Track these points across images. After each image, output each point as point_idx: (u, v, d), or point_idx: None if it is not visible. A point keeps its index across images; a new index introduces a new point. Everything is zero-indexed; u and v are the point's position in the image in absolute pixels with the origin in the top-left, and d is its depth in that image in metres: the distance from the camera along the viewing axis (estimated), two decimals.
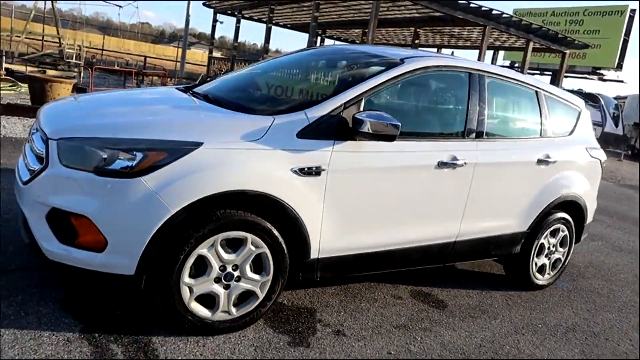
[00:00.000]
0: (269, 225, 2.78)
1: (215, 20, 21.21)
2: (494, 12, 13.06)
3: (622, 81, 29.42)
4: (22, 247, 3.36)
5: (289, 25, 22.10)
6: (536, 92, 4.40)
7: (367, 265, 3.38)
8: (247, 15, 20.71)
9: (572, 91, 24.57)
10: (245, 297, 2.85)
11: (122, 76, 15.44)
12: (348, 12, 16.20)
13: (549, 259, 4.55)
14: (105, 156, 2.50)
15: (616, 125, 25.87)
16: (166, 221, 2.49)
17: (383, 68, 3.38)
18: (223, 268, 2.72)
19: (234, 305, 2.81)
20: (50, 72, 13.26)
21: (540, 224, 4.29)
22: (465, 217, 3.74)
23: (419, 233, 3.53)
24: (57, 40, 17.82)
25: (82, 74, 14.02)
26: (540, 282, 4.52)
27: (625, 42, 27.80)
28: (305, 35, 21.91)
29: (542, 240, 4.38)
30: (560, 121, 4.62)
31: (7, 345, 2.37)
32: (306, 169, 2.84)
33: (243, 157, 2.69)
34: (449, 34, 17.20)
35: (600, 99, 25.73)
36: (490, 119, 3.88)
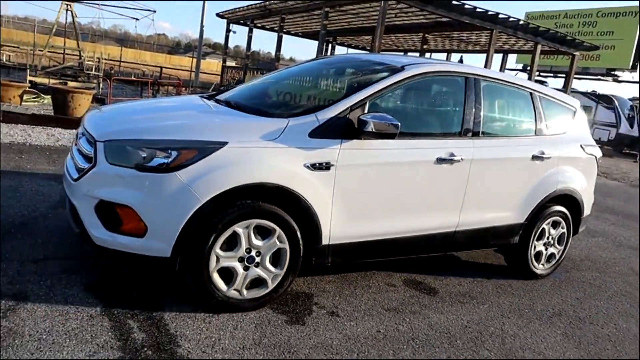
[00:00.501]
0: (286, 215, 3.15)
1: (228, 30, 21.70)
2: (500, 16, 13.27)
3: (637, 82, 29.19)
4: (48, 239, 3.73)
5: (300, 34, 22.49)
6: (530, 93, 4.74)
7: (374, 252, 3.74)
8: (259, 25, 21.16)
9: (585, 93, 24.63)
10: (257, 283, 3.21)
11: (138, 86, 15.94)
12: (357, 20, 16.52)
13: (547, 249, 4.84)
14: (144, 155, 2.92)
15: (631, 127, 25.76)
16: (197, 209, 2.89)
17: (386, 74, 3.76)
18: (249, 250, 3.11)
19: (246, 288, 3.16)
20: (71, 84, 13.81)
21: (538, 215, 4.60)
22: (464, 208, 4.08)
23: (421, 223, 3.88)
24: (78, 53, 18.43)
25: (101, 85, 14.53)
26: (538, 272, 4.82)
27: None
28: (316, 43, 22.33)
29: (540, 230, 4.68)
30: (555, 120, 4.92)
31: (39, 318, 2.71)
32: (317, 164, 3.23)
33: (262, 154, 3.08)
34: (457, 38, 17.41)
35: (615, 101, 25.68)
36: (486, 119, 4.24)
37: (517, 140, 4.56)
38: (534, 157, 4.52)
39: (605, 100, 25.69)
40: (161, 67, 22.41)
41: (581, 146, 5.07)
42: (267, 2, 16.83)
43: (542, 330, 3.69)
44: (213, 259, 3.01)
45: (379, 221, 3.65)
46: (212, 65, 52.90)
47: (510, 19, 13.53)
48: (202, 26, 21.14)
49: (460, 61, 18.04)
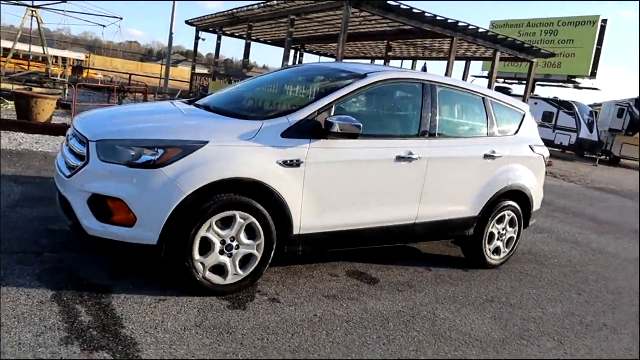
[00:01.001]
0: (261, 207, 3.52)
1: (197, 38, 21.84)
2: (460, 24, 13.73)
3: (596, 89, 30.26)
4: (4, 236, 3.89)
5: (269, 41, 22.77)
6: (483, 98, 5.22)
7: (340, 241, 4.13)
8: (227, 32, 21.35)
9: (547, 99, 25.40)
10: (245, 264, 3.60)
11: (106, 93, 15.96)
12: (323, 27, 16.85)
13: (501, 240, 5.28)
14: (133, 153, 3.26)
15: (591, 131, 26.62)
16: (181, 201, 3.23)
17: (350, 81, 4.18)
18: (223, 242, 3.45)
19: (240, 268, 3.56)
20: (36, 90, 13.77)
21: (490, 209, 5.05)
22: (422, 202, 4.50)
23: (383, 215, 4.27)
24: (43, 60, 18.35)
25: (66, 91, 14.51)
26: (493, 261, 5.27)
27: (598, 51, 28.72)
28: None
29: (492, 224, 5.12)
30: (506, 122, 5.41)
31: None
32: (288, 161, 3.61)
33: (239, 152, 3.46)
34: (421, 46, 17.88)
35: (575, 106, 26.52)
36: (441, 121, 4.67)
37: (470, 141, 5.03)
38: (486, 156, 4.96)
39: (566, 106, 26.53)
40: (130, 74, 22.40)
41: (530, 146, 5.53)
42: (235, 10, 17.06)
43: (472, 314, 3.99)
44: (196, 246, 3.33)
45: (344, 213, 4.02)
46: (184, 72, 52.74)
47: (470, 27, 13.99)
48: (171, 33, 21.18)
49: (424, 68, 18.54)
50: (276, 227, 3.63)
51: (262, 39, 22.57)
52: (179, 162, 3.25)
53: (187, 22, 21.38)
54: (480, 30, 14.29)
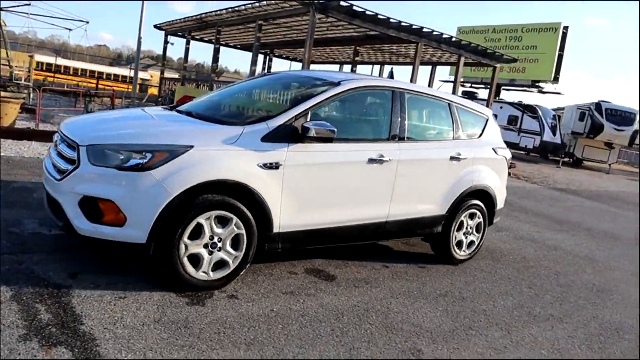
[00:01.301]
0: (243, 207, 3.73)
1: (166, 42, 21.76)
2: (424, 29, 14.04)
3: (559, 93, 31.14)
4: None
5: (238, 46, 22.81)
6: (449, 104, 5.57)
7: (317, 239, 4.40)
8: (197, 37, 21.32)
9: (512, 103, 26.06)
10: (221, 265, 3.77)
11: (72, 97, 15.81)
12: (291, 33, 17.01)
13: (467, 237, 5.60)
14: (122, 157, 3.45)
15: (554, 134, 27.37)
16: (168, 202, 3.42)
17: (325, 88, 4.44)
18: (212, 237, 3.66)
19: (212, 270, 3.72)
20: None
21: (457, 208, 5.36)
22: (392, 201, 4.77)
23: (356, 214, 4.54)
24: (7, 63, 18.06)
25: (31, 95, 14.34)
26: (460, 257, 5.59)
27: (560, 56, 29.59)
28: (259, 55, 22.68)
29: (459, 221, 5.44)
30: (470, 126, 5.75)
31: None
32: (268, 164, 3.84)
33: (222, 156, 3.68)
34: (388, 51, 18.18)
35: (539, 110, 27.24)
36: (410, 125, 4.98)
37: (437, 144, 5.35)
38: (452, 158, 5.29)
39: (530, 110, 27.25)
40: (97, 79, 22.17)
41: (493, 149, 5.89)
42: (203, 15, 17.09)
43: (425, 308, 4.17)
44: (182, 245, 3.54)
45: (320, 213, 4.28)
46: (154, 77, 52.21)
47: (434, 33, 14.32)
48: (139, 38, 21.05)
49: (391, 73, 18.85)
50: (257, 225, 3.85)
51: (231, 44, 22.60)
52: (166, 166, 3.45)
53: (155, 26, 21.27)
54: (444, 36, 14.63)
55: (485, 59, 16.66)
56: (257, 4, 13.62)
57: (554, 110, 31.37)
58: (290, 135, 3.96)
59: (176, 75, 29.62)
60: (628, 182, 25.81)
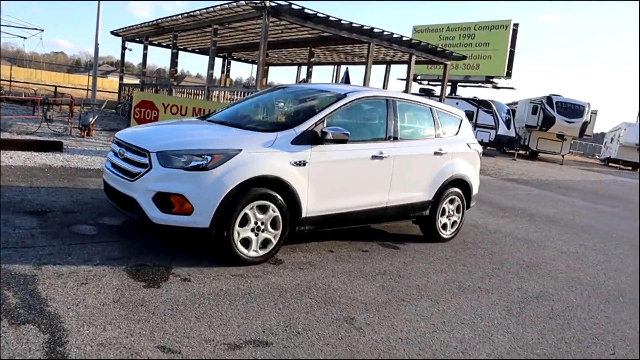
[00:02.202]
0: (279, 196, 4.70)
1: (124, 48, 21.80)
2: (375, 30, 14.57)
3: (512, 88, 32.26)
4: None
5: (197, 50, 23.01)
6: (430, 108, 6.70)
7: (334, 222, 5.42)
8: (155, 42, 21.45)
9: (467, 99, 26.89)
10: (266, 243, 4.74)
11: (31, 106, 15.79)
12: (247, 36, 17.35)
13: (449, 218, 6.71)
14: (185, 160, 4.37)
15: (508, 128, 28.37)
16: (226, 194, 4.35)
17: (334, 99, 5.48)
18: (256, 223, 4.60)
19: (260, 248, 4.70)
20: None
21: (441, 194, 6.47)
22: (391, 190, 5.85)
23: (363, 201, 5.59)
24: None
25: None
26: (445, 236, 6.71)
27: (512, 52, 30.68)
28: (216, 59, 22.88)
29: (443, 205, 6.54)
30: (448, 126, 6.85)
31: None
32: (297, 162, 4.84)
33: (264, 157, 4.65)
34: (343, 51, 18.70)
35: (493, 105, 28.19)
36: (402, 127, 6.04)
37: (423, 142, 6.43)
38: (435, 153, 6.39)
39: (485, 105, 28.21)
40: (56, 87, 22.04)
41: (467, 144, 7.02)
42: (160, 20, 17.26)
43: (363, 285, 4.63)
44: (236, 230, 4.48)
45: (336, 200, 5.28)
46: (114, 83, 51.68)
47: (385, 33, 14.86)
48: (96, 44, 21.01)
49: (347, 73, 19.37)
50: (289, 211, 4.82)
51: (189, 48, 22.78)
52: (222, 166, 4.39)
53: (112, 32, 21.28)
54: (395, 35, 15.18)
55: (435, 56, 17.32)
56: (211, 9, 13.91)
57: (508, 104, 32.53)
58: (312, 138, 4.97)
59: (137, 81, 29.53)
60: (580, 172, 27.01)
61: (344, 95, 5.53)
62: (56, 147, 9.30)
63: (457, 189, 6.71)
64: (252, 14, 13.17)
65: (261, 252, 4.71)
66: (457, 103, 28.87)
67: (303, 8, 12.69)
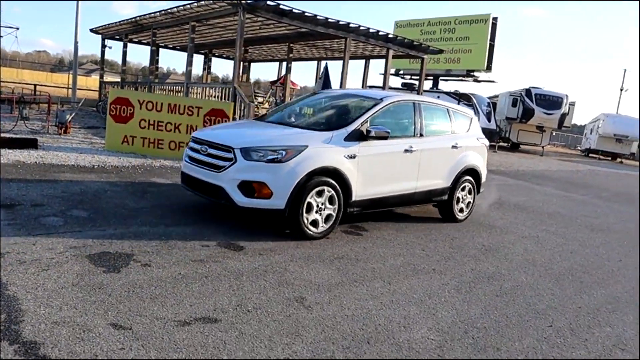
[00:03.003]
0: (335, 183, 5.82)
1: (104, 46, 21.82)
2: (351, 25, 14.75)
3: (493, 81, 32.60)
4: None
5: (177, 47, 23.07)
6: (447, 109, 7.97)
7: (376, 205, 6.57)
8: (135, 40, 21.48)
9: (448, 92, 27.11)
10: (328, 219, 5.88)
11: (8, 104, 15.81)
12: (227, 32, 17.47)
13: (463, 202, 7.94)
14: (262, 154, 5.46)
15: (489, 121, 28.68)
16: (298, 181, 5.45)
17: (373, 103, 6.65)
18: (318, 205, 5.74)
19: (324, 222, 5.84)
20: None
21: (457, 182, 7.69)
22: (419, 178, 7.05)
23: (398, 187, 6.78)
24: None
25: None
26: (460, 217, 7.95)
27: (492, 46, 30.94)
28: (197, 55, 22.93)
29: (459, 191, 7.77)
30: (462, 124, 8.08)
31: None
32: (349, 155, 5.99)
33: (325, 151, 5.77)
34: (322, 47, 18.88)
35: (473, 98, 28.47)
36: (426, 126, 7.21)
37: (443, 137, 7.60)
38: (452, 147, 7.61)
39: (465, 98, 28.47)
40: (35, 85, 22.01)
41: (477, 139, 8.25)
42: (138, 18, 17.33)
43: (319, 268, 4.85)
44: (304, 211, 5.58)
45: (378, 187, 6.43)
46: (97, 81, 51.45)
47: (361, 28, 15.04)
48: (76, 42, 21.00)
49: (326, 68, 19.55)
50: (343, 194, 5.93)
51: (170, 46, 22.83)
52: (294, 158, 5.49)
53: (92, 30, 21.29)
54: (371, 30, 15.38)
55: (412, 50, 17.55)
56: (188, 6, 14.01)
57: (489, 98, 32.87)
58: (359, 136, 6.10)
59: (119, 79, 29.44)
60: (558, 162, 27.44)
61: (381, 100, 6.70)
62: (31, 144, 9.41)
63: (469, 177, 7.92)
64: (228, 10, 13.30)
65: (326, 226, 5.84)
66: (438, 97, 29.09)
67: (278, 4, 12.84)
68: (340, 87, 15.68)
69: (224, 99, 13.41)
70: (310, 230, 5.68)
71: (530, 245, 7.01)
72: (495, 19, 30.89)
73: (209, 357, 2.98)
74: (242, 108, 12.55)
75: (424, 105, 7.29)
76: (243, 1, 12.41)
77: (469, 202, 8.05)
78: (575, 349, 3.84)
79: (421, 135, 7.07)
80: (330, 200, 5.83)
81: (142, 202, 6.59)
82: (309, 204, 5.61)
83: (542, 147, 32.79)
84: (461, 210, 7.93)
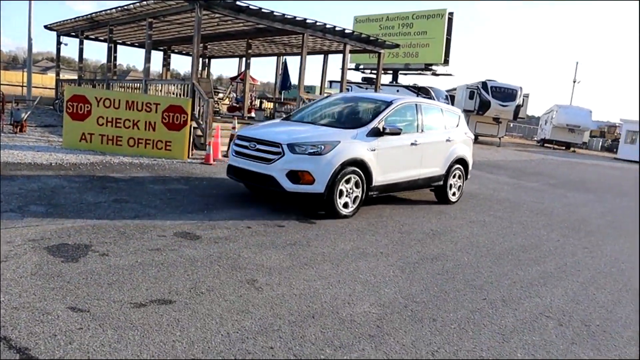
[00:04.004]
0: (360, 171, 7.18)
1: (59, 43, 21.46)
2: (308, 21, 14.99)
3: (450, 74, 33.37)
4: None
5: (136, 44, 22.86)
6: (441, 109, 9.55)
7: (389, 189, 8.02)
8: (91, 37, 21.20)
9: (407, 86, 27.60)
10: (355, 201, 7.23)
11: None
12: (185, 29, 17.45)
13: (455, 186, 9.45)
14: (304, 148, 6.73)
15: None
16: (334, 170, 6.80)
17: (385, 105, 8.04)
18: (347, 190, 7.09)
19: (352, 203, 7.22)
20: None
21: (450, 169, 9.17)
22: (421, 167, 8.47)
23: (406, 174, 8.17)
24: None
25: None
26: (453, 199, 9.41)
27: (448, 40, 31.72)
28: (156, 52, 22.78)
29: (450, 177, 9.22)
30: (452, 120, 9.56)
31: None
32: (371, 149, 7.35)
33: (353, 146, 7.12)
34: (281, 42, 19.06)
35: (431, 91, 29.13)
36: (425, 122, 8.65)
37: (438, 132, 8.99)
38: (446, 140, 9.08)
39: (424, 91, 29.12)
40: None
41: (465, 133, 9.76)
42: (94, 14, 17.15)
43: (272, 254, 5.11)
44: (337, 197, 6.93)
45: (391, 174, 7.83)
46: (54, 79, 50.13)
47: (318, 23, 15.30)
48: (30, 39, 20.59)
49: (284, 63, 19.79)
50: (366, 181, 7.27)
51: (128, 42, 22.59)
52: (331, 152, 6.82)
53: (46, 27, 20.91)
54: (328, 26, 15.64)
55: (369, 45, 17.91)
56: (145, 2, 13.99)
57: (448, 91, 33.65)
58: (377, 132, 7.44)
59: (75, 76, 28.93)
60: (514, 152, 28.37)
61: (391, 102, 8.09)
62: None
63: (460, 166, 9.39)
64: (185, 7, 13.36)
65: (354, 206, 7.18)
66: (397, 90, 29.73)
67: (235, 1, 12.99)
68: (299, 81, 15.94)
69: (184, 95, 13.49)
70: (342, 210, 7.01)
71: (476, 229, 7.44)
72: (451, 14, 31.71)
73: (162, 333, 3.21)
74: (201, 104, 12.67)
75: (424, 106, 8.85)
76: None
77: (460, 186, 9.55)
78: (505, 318, 4.22)
79: (422, 131, 8.49)
80: (357, 185, 7.14)
81: (101, 196, 6.72)
82: (341, 189, 6.91)
83: (499, 138, 33.78)
84: (454, 194, 9.41)
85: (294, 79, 15.80)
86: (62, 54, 22.49)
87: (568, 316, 4.44)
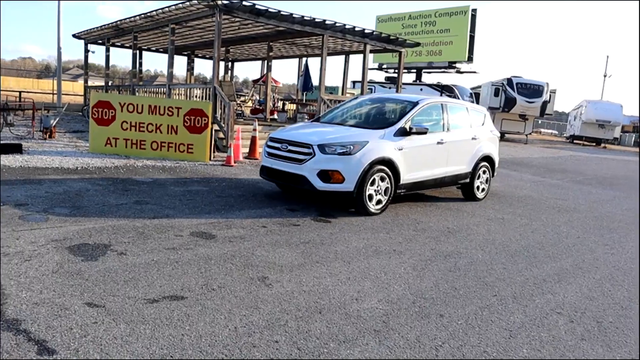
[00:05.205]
0: (388, 170, 7.44)
1: (87, 51, 22.06)
2: (327, 22, 15.09)
3: (475, 72, 33.05)
4: None
5: (160, 50, 23.33)
6: (466, 107, 9.70)
7: (416, 187, 8.26)
8: (117, 44, 21.73)
9: (431, 84, 27.48)
10: (386, 192, 7.50)
11: None
12: (207, 34, 17.76)
13: (482, 184, 9.66)
14: (334, 149, 7.05)
15: None
16: (364, 169, 7.07)
17: (412, 105, 8.27)
18: (377, 187, 7.38)
19: (381, 201, 7.46)
20: None
21: (476, 167, 9.36)
22: (447, 165, 8.68)
23: (432, 173, 8.37)
24: None
25: None
26: (479, 196, 9.61)
27: (472, 37, 31.39)
28: (180, 57, 23.22)
29: (478, 174, 9.44)
30: (477, 119, 9.73)
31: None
32: (398, 148, 7.59)
33: (381, 145, 7.36)
34: (301, 44, 19.20)
35: (455, 89, 28.92)
36: (451, 121, 8.84)
37: (464, 130, 9.18)
38: (472, 138, 9.25)
39: (448, 89, 28.95)
40: (20, 92, 22.26)
41: (490, 131, 9.93)
42: (119, 22, 17.58)
43: (285, 252, 5.23)
44: (367, 195, 7.21)
45: (418, 172, 8.05)
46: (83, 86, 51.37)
47: (337, 24, 15.39)
48: (59, 47, 21.24)
49: (306, 65, 19.91)
50: (394, 179, 7.53)
51: (153, 48, 23.09)
52: (360, 152, 7.09)
53: (74, 35, 21.52)
54: (347, 26, 15.71)
55: (390, 45, 17.91)
56: (167, 9, 14.29)
57: (472, 88, 33.34)
58: (404, 132, 7.67)
59: (102, 83, 29.62)
60: (541, 149, 27.96)
61: (417, 103, 8.32)
62: (16, 149, 9.73)
63: (486, 163, 9.60)
64: (206, 12, 13.60)
65: (382, 204, 7.43)
66: (421, 89, 29.61)
67: (254, 4, 13.15)
68: (320, 82, 16.05)
69: (206, 98, 13.73)
70: (371, 208, 7.26)
71: (493, 227, 7.42)
72: (474, 10, 31.34)
73: (172, 327, 3.35)
74: (223, 107, 12.89)
75: (449, 105, 9.06)
76: (219, 2, 12.73)
77: (487, 182, 9.79)
78: (514, 314, 4.24)
79: (448, 129, 8.69)
80: (385, 183, 7.41)
81: (123, 198, 6.95)
82: (369, 187, 7.18)
83: (526, 135, 33.31)
84: (482, 191, 9.65)
85: (315, 80, 15.93)
86: (92, 61, 23.15)
87: (580, 313, 4.43)
